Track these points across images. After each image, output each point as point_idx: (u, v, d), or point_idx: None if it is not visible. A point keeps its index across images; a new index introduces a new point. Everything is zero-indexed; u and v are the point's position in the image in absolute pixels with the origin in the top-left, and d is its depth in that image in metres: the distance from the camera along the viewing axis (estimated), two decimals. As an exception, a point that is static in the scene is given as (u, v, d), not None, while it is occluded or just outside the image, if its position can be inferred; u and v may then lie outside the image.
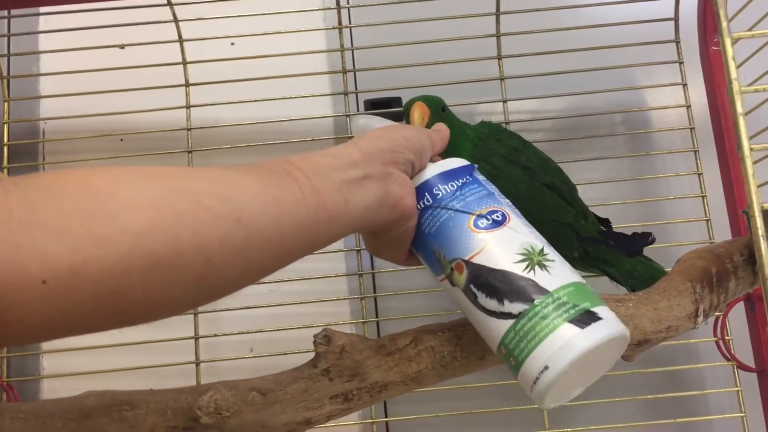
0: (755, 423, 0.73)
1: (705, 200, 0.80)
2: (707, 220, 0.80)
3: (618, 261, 0.70)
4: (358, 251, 0.81)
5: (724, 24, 0.33)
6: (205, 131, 0.84)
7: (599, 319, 0.43)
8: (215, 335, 0.79)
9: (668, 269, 0.64)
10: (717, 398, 0.82)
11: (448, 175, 0.49)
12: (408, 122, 0.68)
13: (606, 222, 0.75)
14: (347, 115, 0.84)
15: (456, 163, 0.50)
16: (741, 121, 0.32)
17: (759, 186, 0.74)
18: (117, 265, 0.31)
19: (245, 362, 0.80)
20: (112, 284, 0.31)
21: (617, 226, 0.81)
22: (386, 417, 0.82)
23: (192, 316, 0.78)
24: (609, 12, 0.85)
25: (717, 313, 0.75)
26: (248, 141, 0.83)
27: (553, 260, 0.46)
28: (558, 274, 0.45)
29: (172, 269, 0.33)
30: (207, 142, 0.83)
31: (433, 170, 0.49)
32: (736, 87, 0.32)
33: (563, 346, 0.42)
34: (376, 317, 0.84)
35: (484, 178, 0.51)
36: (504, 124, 0.82)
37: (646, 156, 0.87)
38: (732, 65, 0.33)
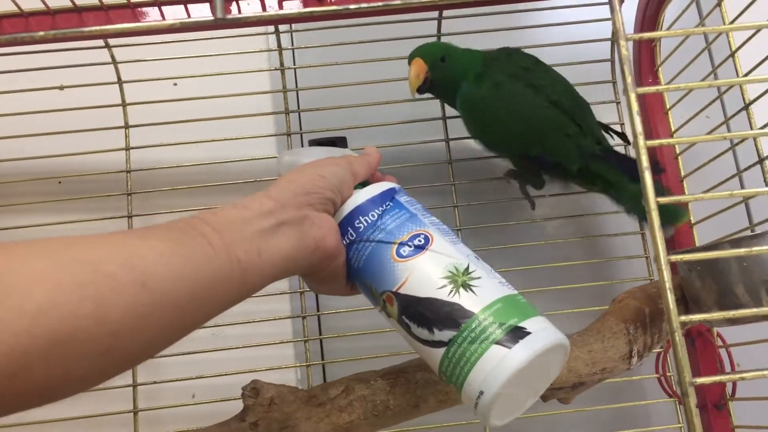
0: (698, 459, 0.73)
1: (644, 237, 0.81)
2: (646, 257, 0.81)
3: (619, 182, 0.72)
4: (302, 293, 0.80)
5: (629, 79, 0.33)
6: (145, 173, 0.83)
7: (527, 333, 0.42)
8: (154, 382, 0.77)
9: (605, 307, 0.64)
10: (662, 434, 0.83)
11: (368, 205, 0.49)
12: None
13: (624, 137, 0.79)
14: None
15: (377, 189, 0.50)
16: (646, 175, 0.33)
17: (694, 224, 0.76)
18: (14, 348, 0.29)
19: (187, 409, 0.78)
20: (8, 368, 0.29)
21: (559, 264, 0.82)
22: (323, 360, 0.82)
23: (130, 363, 0.76)
24: (550, 52, 0.86)
25: (658, 350, 0.76)
26: (190, 183, 0.82)
27: (479, 277, 0.45)
28: (484, 293, 0.44)
29: (75, 345, 0.31)
30: (147, 184, 0.82)
31: (353, 202, 0.49)
32: (641, 142, 0.33)
33: (493, 369, 0.41)
34: (322, 359, 0.83)
35: (408, 198, 0.51)
36: (446, 164, 0.83)
37: (588, 194, 0.88)
38: (637, 120, 0.33)
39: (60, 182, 0.85)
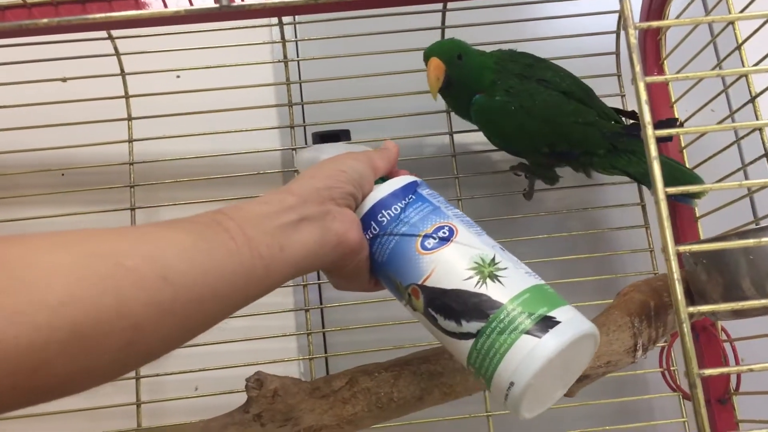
0: (702, 453, 0.73)
1: (648, 231, 0.81)
2: (651, 251, 0.80)
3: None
4: (305, 286, 0.79)
5: (637, 68, 0.33)
6: (147, 165, 0.82)
7: (557, 323, 0.42)
8: (157, 375, 0.77)
9: (609, 300, 0.64)
10: (665, 429, 0.82)
11: (390, 199, 0.48)
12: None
13: (633, 114, 0.79)
14: (294, 149, 0.83)
15: (399, 183, 0.50)
16: (655, 165, 0.32)
17: (699, 217, 0.75)
18: (35, 341, 0.29)
19: (190, 402, 0.78)
20: (29, 362, 0.29)
21: (563, 258, 0.81)
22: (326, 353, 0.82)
23: (133, 355, 0.76)
24: (554, 45, 0.86)
25: (662, 344, 0.76)
26: (192, 175, 0.82)
27: (505, 268, 0.45)
28: (512, 283, 0.44)
29: (96, 339, 0.31)
30: (150, 176, 0.82)
31: (374, 197, 0.48)
32: (649, 131, 0.32)
33: (524, 359, 0.41)
34: (325, 353, 0.83)
35: (430, 192, 0.50)
36: (450, 157, 0.83)
37: (592, 187, 0.88)
38: (646, 109, 0.33)
39: (63, 174, 0.85)
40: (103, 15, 0.55)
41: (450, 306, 0.44)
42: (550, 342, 0.41)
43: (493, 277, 0.44)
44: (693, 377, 0.30)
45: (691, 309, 0.31)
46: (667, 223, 0.32)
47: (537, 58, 0.77)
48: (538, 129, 0.73)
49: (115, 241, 0.34)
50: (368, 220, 0.48)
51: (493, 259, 0.45)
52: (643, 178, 0.73)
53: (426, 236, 0.46)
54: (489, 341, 0.42)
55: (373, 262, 0.48)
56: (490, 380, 0.43)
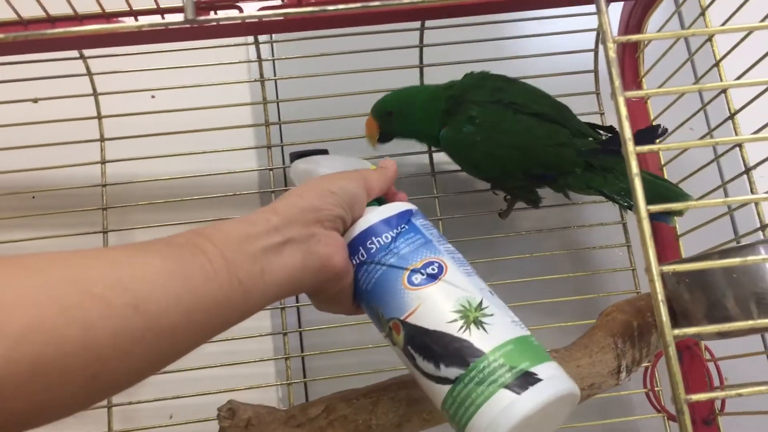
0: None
1: (630, 250, 0.80)
2: (633, 270, 0.80)
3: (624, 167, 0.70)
4: (282, 309, 0.78)
5: (617, 83, 0.32)
6: (121, 187, 0.81)
7: (538, 380, 0.41)
8: (130, 402, 0.74)
9: (591, 321, 0.63)
10: (650, 450, 0.81)
11: (382, 226, 0.47)
12: None
13: (611, 129, 0.77)
14: (270, 169, 0.82)
15: (393, 210, 0.48)
16: (636, 182, 0.31)
17: (680, 235, 0.75)
18: None
19: (164, 430, 0.76)
20: None
21: (544, 278, 0.80)
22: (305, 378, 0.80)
23: (105, 382, 0.73)
24: (533, 64, 0.85)
25: (645, 365, 0.75)
26: (167, 197, 0.80)
27: (492, 314, 0.43)
28: (496, 332, 0.42)
29: (59, 372, 0.29)
30: (123, 198, 0.80)
31: (366, 221, 0.47)
32: (630, 147, 0.32)
33: (500, 414, 0.39)
34: (304, 377, 0.81)
35: (424, 222, 0.49)
36: (429, 176, 0.82)
37: (573, 206, 0.87)
38: (626, 124, 0.32)
39: (34, 197, 0.83)
40: (65, 30, 0.53)
41: (430, 347, 0.42)
42: (529, 400, 0.40)
43: (478, 323, 0.42)
44: (680, 403, 0.28)
45: (677, 331, 0.30)
46: (650, 242, 0.31)
47: (508, 79, 0.76)
48: (509, 155, 0.72)
49: (84, 266, 0.32)
50: (357, 245, 0.46)
51: (480, 303, 0.44)
52: (621, 198, 0.71)
53: (414, 271, 0.44)
54: (466, 390, 0.41)
55: (356, 288, 0.47)
56: (463, 429, 0.41)
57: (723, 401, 0.72)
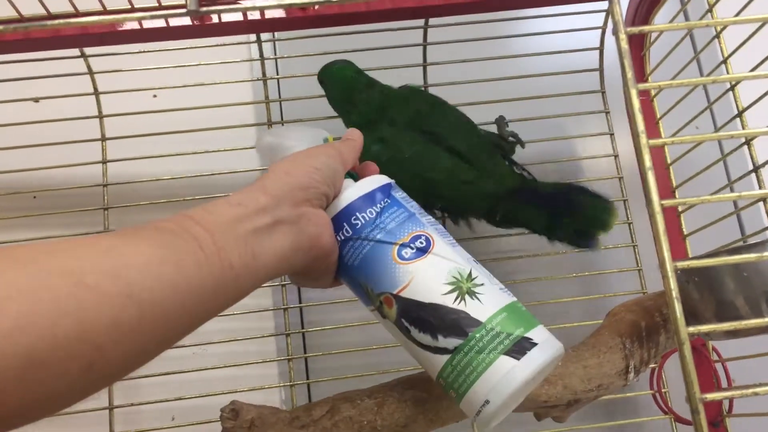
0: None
1: (636, 249, 0.80)
2: (639, 270, 0.79)
3: (531, 219, 0.67)
4: (285, 309, 0.77)
5: (629, 74, 0.31)
6: (122, 187, 0.80)
7: (534, 345, 0.42)
8: (132, 404, 0.74)
9: (598, 321, 0.62)
10: (657, 452, 0.80)
11: (365, 201, 0.47)
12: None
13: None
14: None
15: (374, 183, 0.48)
16: (650, 176, 0.31)
17: (687, 235, 0.74)
18: None
19: (167, 432, 0.75)
20: None
21: (550, 278, 0.80)
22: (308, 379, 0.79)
23: (106, 383, 0.73)
24: (537, 62, 0.85)
25: (652, 366, 0.74)
26: (168, 197, 0.80)
27: (482, 284, 0.44)
28: (489, 300, 0.43)
29: (53, 364, 0.29)
30: (124, 198, 0.79)
31: (348, 197, 0.47)
32: (643, 140, 0.31)
33: (502, 379, 0.41)
34: (307, 378, 0.80)
35: (403, 195, 0.49)
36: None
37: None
38: (638, 117, 0.32)
39: (35, 197, 0.82)
40: (65, 21, 0.53)
41: (427, 320, 0.43)
42: (528, 364, 0.41)
43: (471, 293, 0.43)
44: (695, 402, 0.28)
45: (692, 329, 0.30)
46: (664, 238, 0.30)
47: (440, 104, 0.71)
48: (410, 183, 0.62)
49: (76, 256, 0.32)
50: (340, 221, 0.46)
51: (470, 273, 0.44)
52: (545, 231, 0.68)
53: (403, 245, 0.45)
54: (466, 359, 0.42)
55: (341, 263, 0.47)
56: (462, 396, 0.42)
57: (731, 403, 0.71)
